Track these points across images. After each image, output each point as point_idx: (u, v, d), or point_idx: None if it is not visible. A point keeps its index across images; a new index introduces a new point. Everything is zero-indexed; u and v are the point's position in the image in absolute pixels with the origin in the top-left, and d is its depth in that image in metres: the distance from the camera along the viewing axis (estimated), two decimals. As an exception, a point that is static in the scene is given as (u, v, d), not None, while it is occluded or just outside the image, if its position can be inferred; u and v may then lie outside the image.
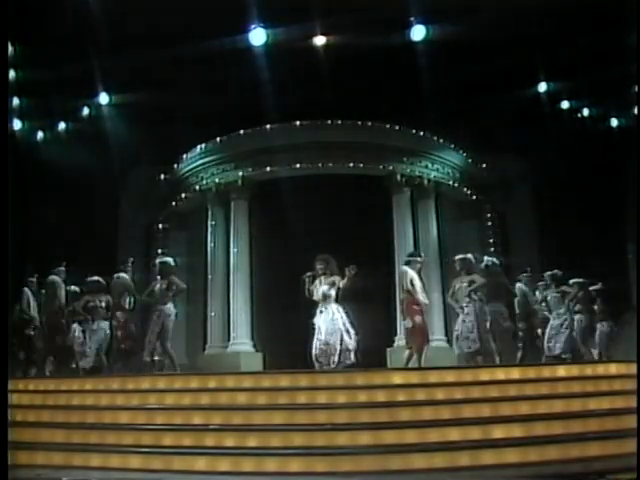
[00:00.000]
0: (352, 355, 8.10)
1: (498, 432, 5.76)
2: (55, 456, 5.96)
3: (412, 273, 8.70)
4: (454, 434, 5.70)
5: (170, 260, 9.32)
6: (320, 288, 8.25)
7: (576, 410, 6.22)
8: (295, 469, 5.39)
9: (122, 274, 9.86)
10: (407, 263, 9.01)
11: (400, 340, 12.36)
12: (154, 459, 5.69)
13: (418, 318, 8.51)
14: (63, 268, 10.05)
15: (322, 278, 8.30)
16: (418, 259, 9.04)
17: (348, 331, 8.15)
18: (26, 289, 9.79)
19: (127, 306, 9.61)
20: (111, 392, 7.09)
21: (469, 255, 9.15)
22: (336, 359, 7.99)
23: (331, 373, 7.42)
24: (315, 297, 8.30)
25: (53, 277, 9.94)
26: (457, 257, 9.23)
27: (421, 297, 8.60)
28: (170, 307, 8.79)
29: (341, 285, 8.20)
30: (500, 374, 6.97)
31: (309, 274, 8.37)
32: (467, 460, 5.37)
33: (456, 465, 5.34)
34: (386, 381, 6.78)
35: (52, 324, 9.75)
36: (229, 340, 13.11)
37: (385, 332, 12.63)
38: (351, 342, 8.10)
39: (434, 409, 6.08)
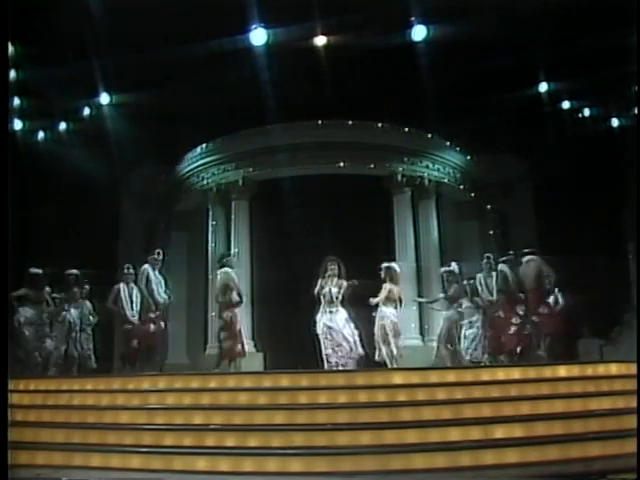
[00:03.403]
0: (354, 354, 8.16)
1: (499, 432, 5.74)
2: (55, 456, 5.94)
3: (509, 271, 9.00)
4: (455, 434, 5.69)
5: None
6: (333, 290, 8.25)
7: (577, 410, 6.21)
8: (296, 469, 5.37)
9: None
10: (504, 262, 9.20)
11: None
12: (154, 459, 5.67)
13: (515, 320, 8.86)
14: (158, 256, 9.17)
15: (334, 280, 8.32)
16: (512, 258, 9.23)
17: (354, 333, 8.22)
18: (121, 284, 9.23)
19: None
20: (112, 392, 7.08)
21: (393, 264, 8.92)
22: (346, 359, 8.07)
23: (331, 373, 7.42)
24: (326, 298, 8.27)
25: (145, 266, 9.14)
26: (383, 265, 8.81)
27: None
28: None
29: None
30: (501, 374, 6.97)
31: (328, 274, 8.34)
32: (468, 460, 5.36)
33: (457, 465, 5.32)
34: (387, 381, 6.77)
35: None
36: (229, 340, 13.08)
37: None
38: (355, 343, 8.19)
39: (435, 409, 6.06)
